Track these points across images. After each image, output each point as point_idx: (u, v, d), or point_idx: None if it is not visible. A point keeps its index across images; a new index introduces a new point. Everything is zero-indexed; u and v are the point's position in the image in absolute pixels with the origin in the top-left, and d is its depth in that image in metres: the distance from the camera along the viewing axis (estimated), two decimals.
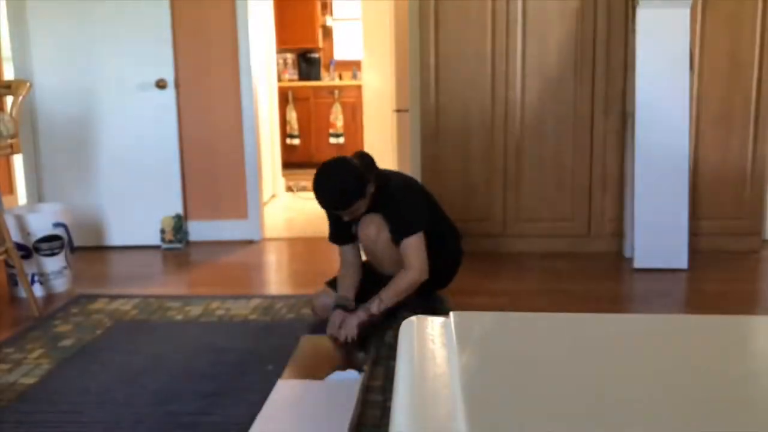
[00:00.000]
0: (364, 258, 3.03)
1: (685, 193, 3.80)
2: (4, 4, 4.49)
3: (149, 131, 4.50)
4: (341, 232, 3.01)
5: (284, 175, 6.74)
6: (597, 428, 0.82)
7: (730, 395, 0.89)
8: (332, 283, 3.05)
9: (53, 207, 3.82)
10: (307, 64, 8.39)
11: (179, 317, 3.21)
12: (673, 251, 3.81)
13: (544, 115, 4.10)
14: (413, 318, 1.17)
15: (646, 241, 3.81)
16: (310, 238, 4.75)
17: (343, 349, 2.74)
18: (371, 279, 2.97)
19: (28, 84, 3.49)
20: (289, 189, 6.71)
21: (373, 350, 2.68)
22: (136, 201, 4.55)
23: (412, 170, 4.48)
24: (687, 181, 3.80)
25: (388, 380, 2.43)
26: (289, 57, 8.39)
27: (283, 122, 7.95)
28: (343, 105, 8.10)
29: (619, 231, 4.16)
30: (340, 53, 8.51)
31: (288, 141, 8.06)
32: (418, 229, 2.84)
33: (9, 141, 3.34)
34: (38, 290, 3.57)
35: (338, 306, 2.87)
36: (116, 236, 4.61)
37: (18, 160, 5.04)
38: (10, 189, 5.29)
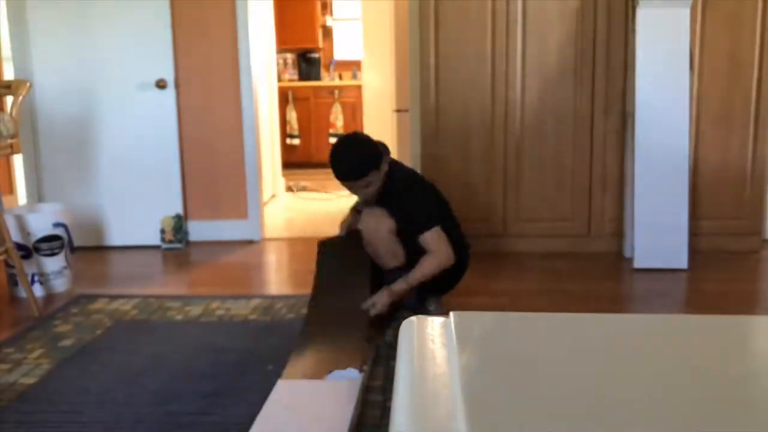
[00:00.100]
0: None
1: (685, 193, 3.80)
2: (4, 4, 4.49)
3: (149, 131, 4.50)
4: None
5: (284, 175, 6.74)
6: (597, 428, 0.82)
7: (730, 395, 0.89)
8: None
9: (53, 207, 3.82)
10: (307, 64, 8.40)
11: (179, 317, 3.21)
12: (673, 251, 3.81)
13: (544, 115, 4.11)
14: (413, 318, 1.17)
15: (646, 241, 3.81)
16: (310, 238, 4.74)
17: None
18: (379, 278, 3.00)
19: (28, 84, 3.49)
20: (289, 189, 6.71)
21: (373, 350, 2.68)
22: (136, 201, 4.55)
23: None
24: (687, 181, 3.80)
25: (388, 380, 2.43)
26: (289, 57, 8.39)
27: (283, 122, 7.95)
28: (343, 105, 8.10)
29: (619, 231, 4.16)
30: (340, 53, 8.51)
31: (288, 141, 8.06)
32: (434, 223, 2.88)
33: (9, 141, 3.34)
34: (38, 290, 3.57)
35: (356, 210, 3.03)
36: (116, 236, 4.61)
37: (18, 160, 5.04)
38: (10, 189, 5.29)
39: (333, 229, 3.48)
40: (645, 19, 3.72)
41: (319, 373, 2.48)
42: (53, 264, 3.62)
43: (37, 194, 4.57)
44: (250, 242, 4.65)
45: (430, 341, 1.07)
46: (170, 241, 4.55)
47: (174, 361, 2.70)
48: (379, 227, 2.91)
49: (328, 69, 8.49)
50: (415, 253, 2.93)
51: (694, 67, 3.93)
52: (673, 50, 3.73)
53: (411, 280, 2.87)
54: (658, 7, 3.70)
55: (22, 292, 3.44)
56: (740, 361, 1.02)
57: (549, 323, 1.16)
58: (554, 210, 4.18)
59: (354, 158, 2.84)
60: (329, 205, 5.92)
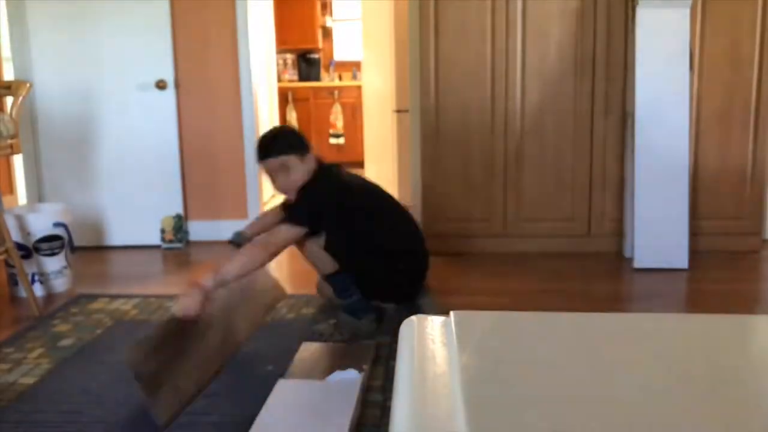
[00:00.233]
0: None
1: (685, 193, 3.80)
2: (4, 4, 4.49)
3: (149, 131, 4.50)
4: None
5: None
6: (597, 428, 0.82)
7: (730, 395, 0.89)
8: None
9: (53, 207, 3.82)
10: (307, 64, 8.40)
11: None
12: (673, 251, 3.81)
13: (544, 116, 4.10)
14: (413, 318, 1.17)
15: (646, 241, 3.81)
16: None
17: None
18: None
19: (28, 84, 3.49)
20: None
21: (373, 350, 2.69)
22: (136, 201, 4.55)
23: (412, 170, 4.49)
24: (687, 181, 3.80)
25: (388, 380, 2.43)
26: (289, 57, 8.39)
27: (283, 122, 7.95)
28: (343, 105, 8.10)
29: (619, 231, 4.16)
30: (340, 54, 8.51)
31: None
32: (299, 222, 2.76)
33: (9, 141, 3.34)
34: (38, 290, 3.57)
35: (231, 241, 3.03)
36: (116, 236, 4.61)
37: (18, 160, 5.04)
38: (10, 189, 5.29)
39: None
40: (645, 19, 3.72)
41: (319, 373, 2.48)
42: (53, 264, 3.62)
43: (37, 194, 4.58)
44: None
45: (430, 341, 1.07)
46: (170, 241, 4.55)
47: None
48: (308, 244, 2.92)
49: (328, 69, 8.49)
50: (352, 259, 2.91)
51: (694, 67, 3.93)
52: (673, 50, 3.74)
53: (222, 274, 2.57)
54: (658, 7, 3.71)
55: (22, 292, 3.44)
56: (740, 361, 1.02)
57: (549, 323, 1.16)
58: (554, 210, 4.18)
59: (274, 137, 2.93)
60: None
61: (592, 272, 3.86)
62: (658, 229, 3.80)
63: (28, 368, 2.66)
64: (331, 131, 8.12)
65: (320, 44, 8.34)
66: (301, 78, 8.40)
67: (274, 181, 2.90)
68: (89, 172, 4.55)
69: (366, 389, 2.38)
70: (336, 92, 8.12)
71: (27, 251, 3.53)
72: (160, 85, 4.42)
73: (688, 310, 3.31)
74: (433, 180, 4.19)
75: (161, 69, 4.43)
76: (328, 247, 2.90)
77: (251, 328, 2.77)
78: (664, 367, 0.98)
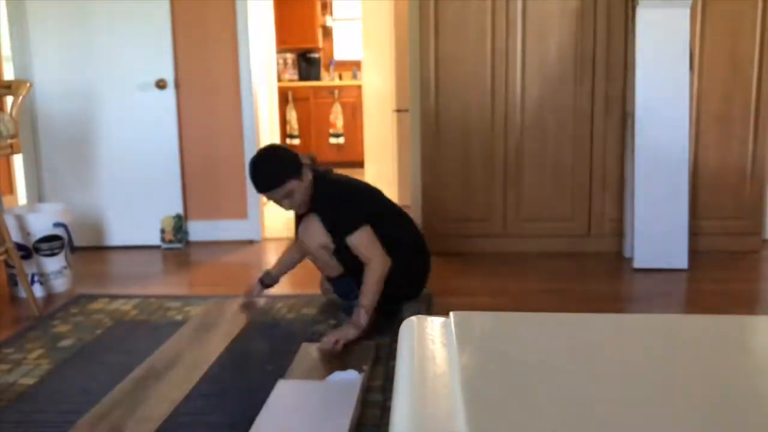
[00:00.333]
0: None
1: (685, 193, 3.80)
2: (4, 4, 4.49)
3: (149, 131, 4.50)
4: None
5: None
6: (597, 428, 0.82)
7: (730, 395, 0.89)
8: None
9: (53, 207, 3.82)
10: (307, 64, 8.40)
11: (179, 317, 3.21)
12: (673, 251, 3.81)
13: (544, 115, 4.10)
14: (413, 318, 1.17)
15: (646, 241, 3.81)
16: None
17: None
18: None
19: (28, 84, 3.49)
20: None
21: (373, 350, 2.69)
22: (136, 201, 4.55)
23: (412, 170, 4.48)
24: (687, 181, 3.80)
25: (388, 380, 2.43)
26: (289, 57, 8.39)
27: (283, 122, 7.95)
28: (343, 105, 8.10)
29: (619, 231, 4.16)
30: (340, 53, 8.51)
31: (288, 141, 8.06)
32: (360, 223, 2.82)
33: (9, 141, 3.34)
34: (38, 290, 3.57)
35: (261, 280, 3.18)
36: (116, 236, 4.61)
37: (18, 160, 5.04)
38: (10, 189, 5.29)
39: None
40: (645, 19, 3.72)
41: (319, 373, 2.48)
42: (53, 264, 3.62)
43: (37, 194, 4.58)
44: (250, 242, 4.65)
45: (430, 341, 1.07)
46: (170, 241, 4.55)
47: None
48: (310, 242, 2.91)
49: (328, 69, 8.49)
50: (356, 262, 2.88)
51: (694, 67, 3.93)
52: (673, 50, 3.74)
53: (365, 302, 2.76)
54: (658, 7, 3.70)
55: (22, 292, 3.44)
56: (740, 361, 1.02)
57: (549, 323, 1.16)
58: (554, 210, 4.18)
59: (268, 168, 2.83)
60: None
61: (592, 272, 3.86)
62: (658, 229, 3.80)
63: (28, 368, 2.66)
64: (331, 131, 8.12)
65: (320, 44, 8.34)
66: (301, 77, 8.40)
67: (279, 204, 2.91)
68: (89, 172, 4.55)
69: (366, 389, 2.38)
70: (336, 92, 8.13)
71: (27, 251, 3.53)
72: (160, 85, 4.42)
73: (688, 310, 3.31)
74: (433, 180, 4.19)
75: (161, 69, 4.43)
76: (339, 252, 2.89)
77: None
78: (664, 367, 0.98)
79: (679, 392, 0.90)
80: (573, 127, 4.10)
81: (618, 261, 4.05)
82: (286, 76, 8.35)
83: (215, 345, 2.84)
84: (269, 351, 2.77)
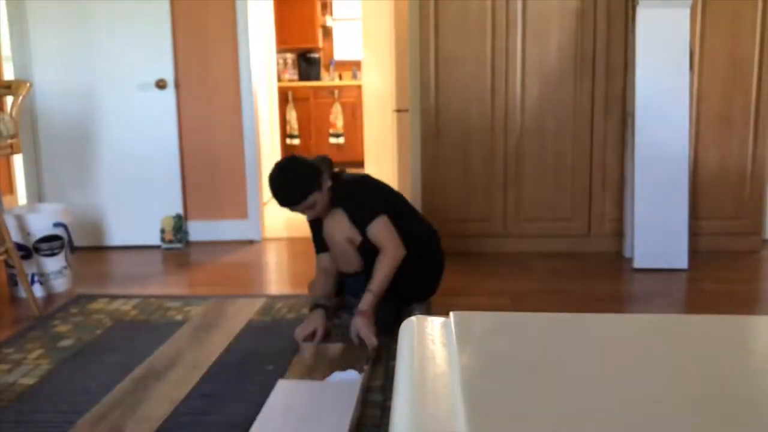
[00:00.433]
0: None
1: (685, 193, 3.80)
2: (4, 4, 4.49)
3: (149, 131, 4.50)
4: (318, 239, 3.03)
5: None
6: (597, 428, 0.82)
7: (730, 395, 0.89)
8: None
9: (53, 207, 3.82)
10: (307, 64, 8.40)
11: (179, 317, 3.21)
12: (673, 251, 3.81)
13: (544, 115, 4.11)
14: (413, 318, 1.17)
15: (646, 241, 3.81)
16: (310, 238, 4.74)
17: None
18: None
19: (28, 84, 3.49)
20: None
21: (372, 351, 2.68)
22: (136, 201, 4.55)
23: (413, 170, 4.48)
24: (687, 181, 3.80)
25: (388, 380, 2.43)
26: (289, 57, 8.39)
27: (283, 122, 7.95)
28: (343, 105, 8.10)
29: (619, 231, 4.16)
30: (340, 53, 8.51)
31: (288, 141, 8.06)
32: (378, 212, 2.84)
33: (9, 141, 3.34)
34: (38, 290, 3.57)
35: (317, 305, 2.87)
36: (116, 236, 4.61)
37: (18, 160, 5.04)
38: (10, 189, 5.29)
39: None
40: (645, 19, 3.72)
41: (319, 374, 2.48)
42: (53, 264, 3.62)
43: (37, 194, 4.58)
44: (250, 242, 4.65)
45: (430, 341, 1.07)
46: (170, 241, 4.55)
47: None
48: (336, 234, 2.89)
49: (328, 69, 8.49)
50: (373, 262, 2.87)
51: (694, 67, 3.93)
52: (673, 50, 3.74)
53: (374, 288, 2.77)
54: (658, 7, 3.70)
55: (22, 292, 3.44)
56: (740, 361, 1.02)
57: (549, 323, 1.16)
58: (554, 210, 4.18)
59: (291, 185, 2.81)
60: None
61: (592, 272, 3.86)
62: (658, 228, 3.80)
63: (28, 368, 2.66)
64: (331, 131, 8.12)
65: (320, 44, 8.34)
66: (301, 77, 8.40)
67: (302, 213, 2.91)
68: (89, 172, 4.55)
69: (366, 389, 2.38)
70: (336, 92, 8.13)
71: (27, 251, 3.53)
72: (160, 85, 4.42)
73: (688, 310, 3.31)
74: (433, 180, 4.19)
75: (161, 68, 4.43)
76: (363, 245, 2.88)
77: None
78: (664, 367, 0.98)
79: (679, 392, 0.90)
80: (573, 127, 4.10)
81: (618, 261, 4.05)
82: (286, 76, 8.35)
83: (215, 345, 2.84)
84: (269, 351, 2.77)
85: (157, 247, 4.56)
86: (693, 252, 3.91)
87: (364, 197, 2.93)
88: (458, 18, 4.04)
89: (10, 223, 3.44)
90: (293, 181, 2.83)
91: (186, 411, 2.28)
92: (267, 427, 2.12)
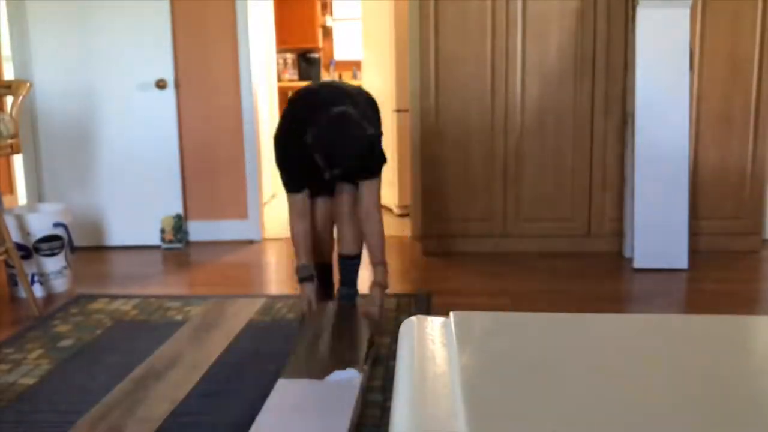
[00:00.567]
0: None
1: (685, 193, 3.80)
2: (4, 4, 4.49)
3: (149, 131, 4.50)
4: (297, 174, 2.90)
5: None
6: (597, 428, 0.82)
7: (730, 395, 0.89)
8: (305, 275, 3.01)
9: (53, 207, 3.82)
10: (307, 64, 8.39)
11: (179, 317, 3.21)
12: (673, 251, 3.81)
13: (544, 115, 4.11)
14: (413, 318, 1.17)
15: (646, 241, 3.81)
16: None
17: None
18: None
19: (28, 84, 3.49)
20: None
21: (373, 350, 2.68)
22: (136, 201, 4.55)
23: (413, 170, 4.48)
24: (687, 181, 3.80)
25: (388, 380, 2.43)
26: (289, 57, 8.39)
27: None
28: None
29: (619, 231, 4.16)
30: (340, 53, 8.50)
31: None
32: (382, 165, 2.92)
33: (9, 141, 3.34)
34: (38, 290, 3.57)
35: (304, 279, 2.91)
36: (116, 236, 4.61)
37: (18, 160, 5.04)
38: (10, 189, 5.29)
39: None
40: (645, 19, 3.72)
41: (319, 373, 2.48)
42: (53, 264, 3.62)
43: (37, 194, 4.58)
44: (250, 242, 4.65)
45: (430, 341, 1.07)
46: (170, 241, 4.54)
47: None
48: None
49: (328, 69, 8.48)
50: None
51: (694, 67, 3.93)
52: (673, 50, 3.74)
53: (382, 257, 2.87)
54: (658, 7, 3.70)
55: (22, 292, 3.44)
56: (740, 361, 1.02)
57: (549, 323, 1.16)
58: (554, 210, 4.18)
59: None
60: None
61: (592, 272, 3.86)
62: (658, 228, 3.80)
63: (28, 369, 2.66)
64: None
65: (320, 44, 8.34)
66: (302, 77, 8.40)
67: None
68: (89, 172, 4.55)
69: (366, 389, 2.38)
70: None
71: (27, 251, 3.53)
72: (160, 85, 4.42)
73: (688, 310, 3.31)
74: (433, 180, 4.19)
75: (161, 68, 4.43)
76: (333, 177, 2.76)
77: None
78: (664, 367, 0.98)
79: (679, 392, 0.90)
80: (573, 127, 4.10)
81: (618, 261, 4.05)
82: (286, 76, 8.35)
83: (215, 345, 2.84)
84: (269, 351, 2.77)
85: (157, 247, 4.56)
86: (693, 252, 3.91)
87: (378, 116, 2.97)
88: (458, 18, 4.04)
89: (10, 223, 3.44)
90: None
91: (186, 411, 2.28)
92: (267, 426, 2.12)
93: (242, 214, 4.67)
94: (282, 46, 7.94)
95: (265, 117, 5.89)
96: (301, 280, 2.93)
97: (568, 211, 4.19)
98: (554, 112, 4.10)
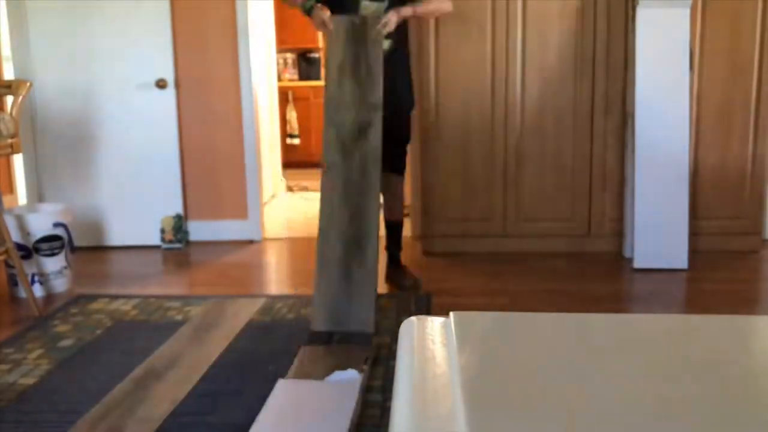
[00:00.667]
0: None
1: (685, 193, 3.80)
2: (4, 4, 4.49)
3: (149, 131, 4.50)
4: None
5: (284, 175, 6.74)
6: (597, 428, 0.82)
7: (730, 395, 0.89)
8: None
9: (53, 207, 3.82)
10: (307, 63, 8.39)
11: (179, 317, 3.21)
12: (673, 251, 3.81)
13: (544, 115, 4.10)
14: (413, 318, 1.17)
15: (646, 241, 3.81)
16: (310, 238, 4.74)
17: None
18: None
19: (28, 84, 3.49)
20: (290, 189, 6.71)
21: (373, 350, 2.69)
22: (136, 201, 4.55)
23: (413, 170, 4.48)
24: (687, 180, 3.80)
25: (388, 380, 2.43)
26: (289, 57, 8.38)
27: (283, 122, 7.94)
28: None
29: (619, 231, 4.16)
30: None
31: (288, 141, 8.06)
32: None
33: (9, 141, 3.34)
34: (38, 290, 3.57)
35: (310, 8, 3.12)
36: (116, 236, 4.61)
37: (18, 160, 5.04)
38: (10, 189, 5.28)
39: None
40: (645, 19, 3.72)
41: (319, 373, 2.48)
42: (53, 264, 3.62)
43: (37, 194, 4.58)
44: (250, 242, 4.65)
45: (430, 341, 1.07)
46: (170, 241, 4.54)
47: None
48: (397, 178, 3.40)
49: None
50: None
51: (694, 67, 3.93)
52: (673, 50, 3.74)
53: (420, 9, 3.19)
54: (658, 7, 3.70)
55: (22, 292, 3.44)
56: (740, 361, 1.02)
57: (549, 323, 1.16)
58: (554, 210, 4.18)
59: None
60: None
61: (592, 272, 3.86)
62: (658, 229, 3.80)
63: (28, 369, 2.66)
64: None
65: (320, 43, 8.33)
66: (301, 77, 8.40)
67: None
68: (89, 172, 4.55)
69: (366, 389, 2.38)
70: None
71: (27, 251, 3.53)
72: (160, 85, 4.42)
73: (688, 310, 3.31)
74: (433, 180, 4.19)
75: (161, 68, 4.43)
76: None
77: None
78: (664, 367, 0.98)
79: (679, 392, 0.90)
80: (573, 126, 4.10)
81: (618, 261, 4.05)
82: (286, 76, 8.35)
83: (215, 345, 2.84)
84: (269, 351, 2.77)
85: (157, 247, 4.56)
86: (693, 252, 3.91)
87: None
88: (458, 18, 4.04)
89: (10, 223, 3.44)
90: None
91: (186, 411, 2.28)
92: (267, 427, 2.12)
93: (242, 214, 4.67)
94: (282, 46, 7.93)
95: (265, 117, 5.89)
96: (308, 10, 3.16)
97: (568, 211, 4.19)
98: (554, 112, 4.10)
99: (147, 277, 3.94)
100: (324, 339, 2.84)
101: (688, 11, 3.71)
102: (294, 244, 4.70)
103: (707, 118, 4.04)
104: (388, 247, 3.61)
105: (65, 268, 3.69)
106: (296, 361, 2.61)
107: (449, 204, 4.20)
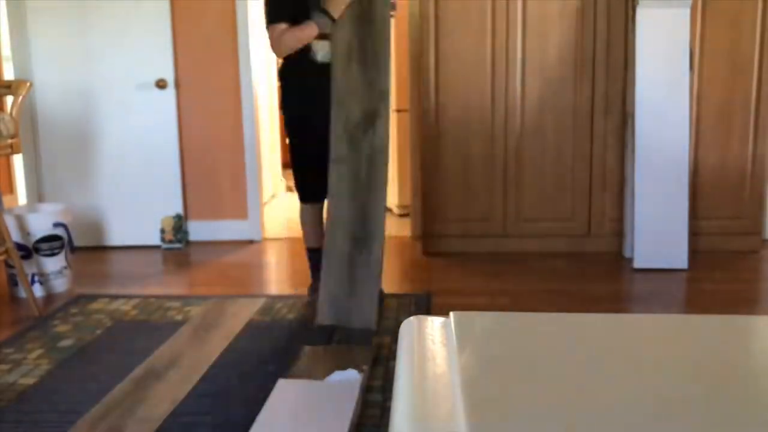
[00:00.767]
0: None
1: (685, 193, 3.80)
2: (4, 4, 4.49)
3: (149, 131, 4.50)
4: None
5: (284, 175, 6.73)
6: (597, 428, 0.82)
7: (730, 395, 0.89)
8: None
9: (53, 207, 3.82)
10: None
11: (179, 317, 3.21)
12: (673, 251, 3.81)
13: (544, 115, 4.11)
14: (413, 318, 1.17)
15: (646, 241, 3.81)
16: None
17: None
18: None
19: (28, 84, 3.49)
20: (289, 189, 6.71)
21: (373, 350, 2.69)
22: (136, 201, 4.55)
23: (413, 170, 4.49)
24: (687, 180, 3.80)
25: (388, 380, 2.43)
26: None
27: (283, 122, 7.92)
28: None
29: (619, 231, 4.16)
30: None
31: (288, 141, 8.04)
32: None
33: (9, 141, 3.34)
34: (38, 290, 3.57)
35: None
36: (116, 236, 4.61)
37: (18, 160, 5.04)
38: (10, 189, 5.29)
39: None
40: (645, 19, 3.72)
41: (319, 373, 2.48)
42: (53, 264, 3.62)
43: (37, 194, 4.58)
44: (250, 242, 4.65)
45: (430, 341, 1.07)
46: (170, 241, 4.54)
47: None
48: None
49: None
50: None
51: (694, 67, 3.93)
52: (673, 50, 3.74)
53: None
54: (658, 7, 3.71)
55: (22, 292, 3.44)
56: (740, 361, 1.02)
57: (549, 323, 1.16)
58: (554, 210, 4.18)
59: None
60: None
61: (592, 272, 3.86)
62: (658, 229, 3.80)
63: (28, 369, 2.66)
64: None
65: None
66: None
67: None
68: (89, 172, 4.55)
69: (366, 389, 2.38)
70: None
71: (27, 251, 3.53)
72: (161, 85, 4.42)
73: (688, 310, 3.31)
74: (433, 180, 4.19)
75: (161, 68, 4.43)
76: None
77: None
78: (664, 367, 0.98)
79: (679, 392, 0.90)
80: (573, 127, 4.10)
81: (618, 261, 4.05)
82: None
83: (215, 345, 2.84)
84: (269, 351, 2.77)
85: (157, 247, 4.56)
86: (693, 252, 3.91)
87: None
88: (458, 18, 4.04)
89: (10, 223, 3.44)
90: None
91: (186, 411, 2.28)
92: (267, 427, 2.12)
93: (242, 214, 4.67)
94: None
95: (265, 117, 5.89)
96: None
97: (568, 211, 4.19)
98: (554, 112, 4.10)
99: (147, 277, 3.94)
100: (324, 339, 2.84)
101: (688, 11, 3.71)
102: (294, 244, 4.70)
103: (707, 118, 4.04)
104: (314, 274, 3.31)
105: (65, 268, 3.69)
106: (296, 361, 2.61)
107: (449, 204, 4.20)
